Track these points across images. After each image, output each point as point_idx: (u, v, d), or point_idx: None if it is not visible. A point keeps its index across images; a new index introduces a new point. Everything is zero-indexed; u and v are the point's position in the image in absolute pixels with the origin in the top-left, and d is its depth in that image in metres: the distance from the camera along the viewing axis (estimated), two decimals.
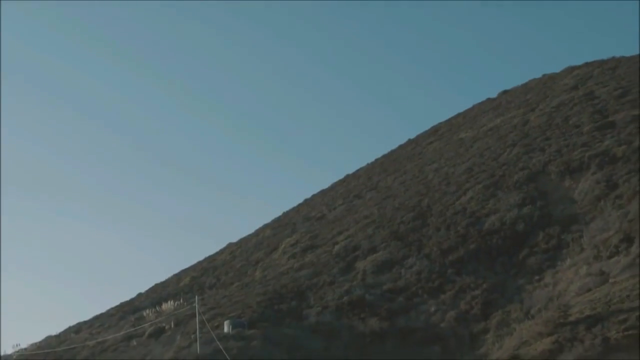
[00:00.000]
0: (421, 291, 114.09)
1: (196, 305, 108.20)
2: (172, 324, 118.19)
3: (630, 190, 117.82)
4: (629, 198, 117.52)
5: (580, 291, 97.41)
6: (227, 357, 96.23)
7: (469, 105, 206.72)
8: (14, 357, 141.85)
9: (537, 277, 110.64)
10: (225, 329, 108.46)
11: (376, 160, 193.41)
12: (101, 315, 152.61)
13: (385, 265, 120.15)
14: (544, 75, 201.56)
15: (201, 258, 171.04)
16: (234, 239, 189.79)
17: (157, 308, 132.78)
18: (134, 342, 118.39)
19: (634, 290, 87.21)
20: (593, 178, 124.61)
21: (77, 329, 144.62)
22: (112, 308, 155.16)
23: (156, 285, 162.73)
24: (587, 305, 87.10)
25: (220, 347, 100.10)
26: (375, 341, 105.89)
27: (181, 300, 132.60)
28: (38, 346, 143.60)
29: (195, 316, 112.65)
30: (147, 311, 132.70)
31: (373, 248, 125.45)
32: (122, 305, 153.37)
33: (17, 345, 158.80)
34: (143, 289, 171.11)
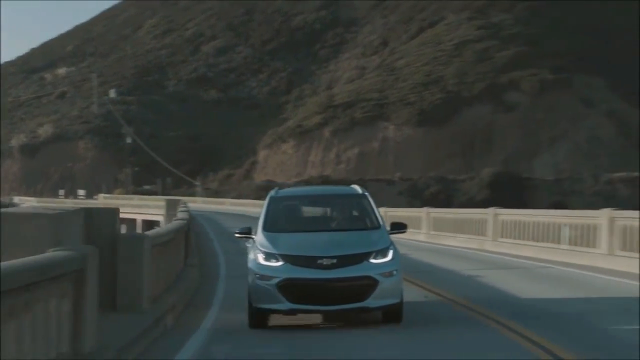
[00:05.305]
0: (246, 71, 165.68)
1: (94, 80, 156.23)
2: (72, 88, 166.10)
3: (394, 4, 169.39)
4: (392, 8, 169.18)
5: (346, 81, 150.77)
6: (117, 116, 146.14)
7: None
8: None
9: (324, 65, 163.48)
10: (112, 95, 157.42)
11: None
12: (4, 70, 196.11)
13: (222, 50, 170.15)
14: None
15: (77, 24, 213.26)
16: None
17: (55, 71, 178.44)
18: (44, 100, 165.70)
19: (376, 85, 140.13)
20: None
21: None
22: (9, 64, 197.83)
23: (43, 45, 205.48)
24: (346, 94, 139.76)
25: (111, 108, 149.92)
26: (214, 106, 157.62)
27: (73, 68, 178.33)
28: None
29: (87, 81, 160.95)
30: (48, 74, 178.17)
31: (214, 36, 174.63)
32: (21, 63, 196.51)
33: None
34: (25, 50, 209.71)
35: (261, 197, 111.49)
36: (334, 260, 13.15)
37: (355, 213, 15.14)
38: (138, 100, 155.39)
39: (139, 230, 67.27)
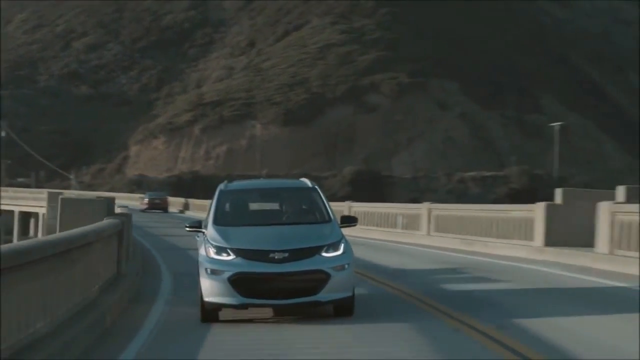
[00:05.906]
0: (117, 68, 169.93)
1: None
2: None
3: (261, 6, 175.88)
4: (259, 10, 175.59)
5: (215, 80, 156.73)
6: None
7: None
8: None
9: (194, 64, 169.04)
10: None
11: None
12: None
13: (92, 47, 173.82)
14: None
15: None
16: None
17: None
18: None
19: (243, 85, 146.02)
20: None
21: None
22: None
23: None
24: (215, 92, 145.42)
25: None
26: (86, 101, 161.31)
27: None
28: None
29: None
30: None
31: (85, 32, 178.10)
32: None
33: None
34: None
35: (134, 191, 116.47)
36: (286, 254, 13.19)
37: (305, 206, 15.14)
38: (10, 94, 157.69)
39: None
